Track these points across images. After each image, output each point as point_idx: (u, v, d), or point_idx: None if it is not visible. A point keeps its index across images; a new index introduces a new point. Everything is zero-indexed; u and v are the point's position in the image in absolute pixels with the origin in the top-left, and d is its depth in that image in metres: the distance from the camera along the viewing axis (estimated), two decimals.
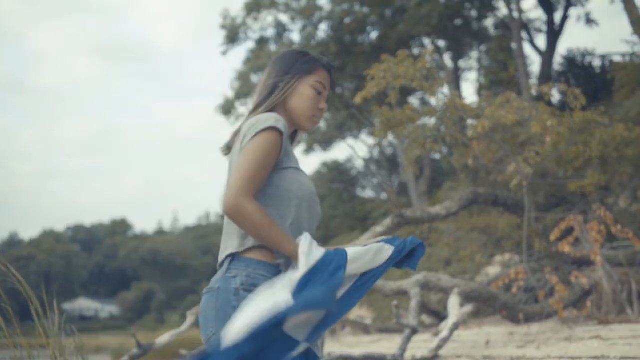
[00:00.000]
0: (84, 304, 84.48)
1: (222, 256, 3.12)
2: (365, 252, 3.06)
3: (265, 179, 3.04)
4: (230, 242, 3.09)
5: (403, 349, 9.96)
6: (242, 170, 2.97)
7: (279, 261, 3.04)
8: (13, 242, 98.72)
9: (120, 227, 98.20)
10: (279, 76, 3.33)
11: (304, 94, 3.32)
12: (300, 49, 3.53)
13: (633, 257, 12.93)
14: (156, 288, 78.31)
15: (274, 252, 3.04)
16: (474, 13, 34.46)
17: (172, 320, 51.58)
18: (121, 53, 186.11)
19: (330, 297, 2.82)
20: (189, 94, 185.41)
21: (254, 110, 3.30)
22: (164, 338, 10.09)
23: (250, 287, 2.94)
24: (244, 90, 36.63)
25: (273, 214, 3.05)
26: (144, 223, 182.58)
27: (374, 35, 35.82)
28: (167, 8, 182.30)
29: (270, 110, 3.28)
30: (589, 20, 32.68)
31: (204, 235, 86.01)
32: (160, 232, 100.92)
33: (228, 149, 3.33)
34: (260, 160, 3.00)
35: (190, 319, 10.94)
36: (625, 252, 12.91)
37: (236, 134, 3.29)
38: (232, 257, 3.06)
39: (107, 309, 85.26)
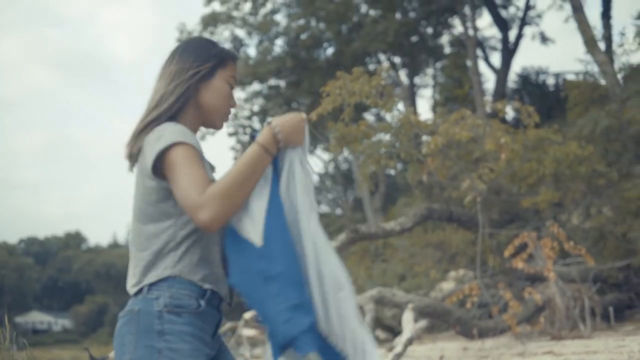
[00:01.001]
0: (37, 317, 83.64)
1: (136, 280, 2.83)
2: None
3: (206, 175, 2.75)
4: (145, 270, 2.79)
5: None
6: (180, 187, 2.69)
7: (207, 286, 2.79)
8: None
9: (74, 240, 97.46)
10: (189, 65, 2.98)
11: (219, 89, 3.03)
12: (204, 37, 3.24)
13: (585, 273, 13.05)
14: (110, 302, 77.69)
15: (202, 275, 2.79)
16: (429, 30, 34.68)
17: None
18: (78, 65, 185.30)
19: None
20: (144, 107, 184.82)
21: (150, 113, 2.96)
22: None
23: (175, 309, 2.71)
24: None
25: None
26: (98, 236, 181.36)
27: (330, 51, 35.94)
28: (124, 22, 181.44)
29: (174, 114, 2.94)
30: (544, 39, 33.02)
31: None
32: (114, 245, 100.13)
33: (131, 157, 2.97)
34: (190, 166, 2.72)
35: None
36: (578, 269, 13.04)
37: (132, 144, 2.95)
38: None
39: (60, 323, 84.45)
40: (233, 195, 2.67)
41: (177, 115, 2.95)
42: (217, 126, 3.11)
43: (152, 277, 2.77)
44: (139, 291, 2.79)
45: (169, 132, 2.77)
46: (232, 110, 3.10)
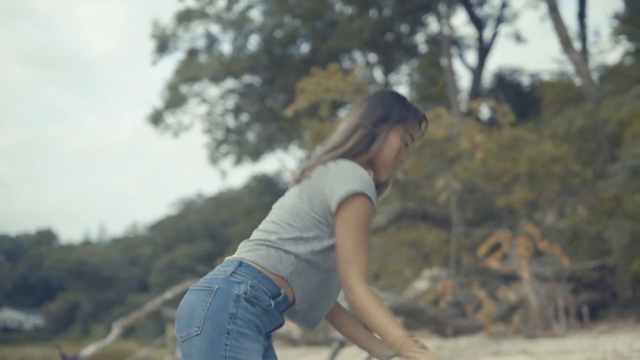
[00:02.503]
0: (8, 315, 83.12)
1: (231, 257, 3.00)
2: None
3: None
4: (252, 252, 2.96)
5: None
6: (356, 254, 2.84)
7: (282, 291, 2.92)
8: None
9: (46, 237, 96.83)
10: (375, 122, 3.12)
11: (392, 144, 3.12)
12: (397, 92, 3.28)
13: (559, 272, 13.04)
14: (82, 299, 77.39)
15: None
16: (405, 28, 34.65)
17: (97, 332, 51.02)
18: (51, 61, 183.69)
19: None
20: (119, 104, 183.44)
21: (335, 150, 3.12)
22: (89, 350, 9.94)
23: (251, 298, 2.83)
24: (173, 100, 36.42)
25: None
26: (70, 233, 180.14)
27: (305, 48, 35.85)
28: (99, 17, 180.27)
29: (351, 156, 3.09)
30: (519, 38, 33.10)
31: (131, 247, 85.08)
32: (86, 243, 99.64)
33: (298, 181, 3.13)
34: (365, 239, 2.88)
35: (115, 330, 10.78)
36: (552, 268, 13.03)
37: (309, 169, 3.11)
38: (241, 262, 2.93)
39: (31, 320, 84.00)
40: (371, 317, 2.79)
41: (354, 157, 3.10)
42: (381, 177, 3.19)
43: (252, 257, 2.95)
44: (224, 265, 2.97)
45: (359, 178, 2.92)
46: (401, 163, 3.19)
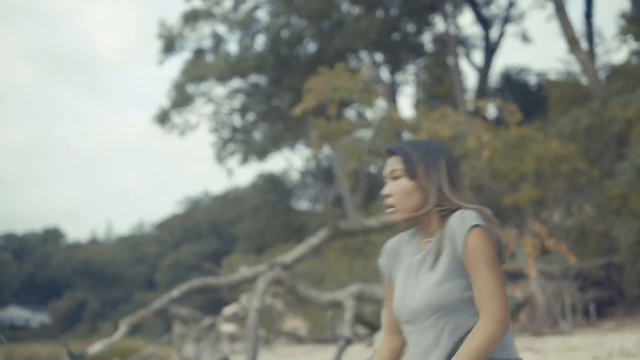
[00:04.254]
0: (15, 313, 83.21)
1: None
2: None
3: None
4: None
5: None
6: (493, 288, 2.78)
7: None
8: None
9: (53, 236, 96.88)
10: None
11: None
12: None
13: (567, 271, 13.06)
14: (89, 297, 77.48)
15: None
16: (411, 28, 34.64)
17: (104, 330, 51.07)
18: (59, 61, 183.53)
19: None
20: (127, 104, 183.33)
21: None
22: (96, 347, 9.97)
23: None
24: (180, 100, 36.47)
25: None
26: (77, 232, 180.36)
27: (311, 48, 35.85)
28: (107, 18, 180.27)
29: None
30: (525, 38, 33.08)
31: (138, 245, 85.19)
32: (93, 242, 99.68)
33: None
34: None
35: (123, 328, 10.80)
36: (559, 266, 13.04)
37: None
38: None
39: (38, 318, 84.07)
40: (483, 353, 2.75)
41: None
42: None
43: None
44: None
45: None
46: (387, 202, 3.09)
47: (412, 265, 3.01)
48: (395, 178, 3.00)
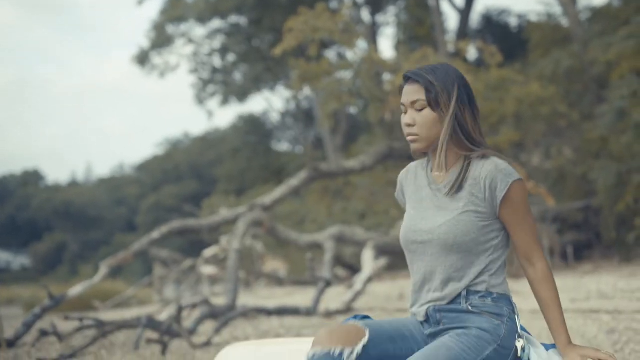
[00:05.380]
0: None
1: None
2: None
3: None
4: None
5: (316, 302, 9.98)
6: (536, 234, 2.98)
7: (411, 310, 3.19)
8: None
9: (33, 178, 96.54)
10: None
11: None
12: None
13: (545, 213, 13.12)
14: (69, 239, 77.42)
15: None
16: None
17: (85, 272, 51.01)
18: (41, 2, 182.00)
19: None
20: (108, 45, 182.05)
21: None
22: (76, 289, 9.95)
23: None
24: (159, 40, 36.19)
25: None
26: (57, 174, 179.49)
27: None
28: None
29: None
30: None
31: (118, 187, 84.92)
32: (73, 184, 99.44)
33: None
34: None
35: (103, 270, 10.78)
36: (538, 209, 13.10)
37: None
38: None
39: (19, 261, 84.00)
40: (556, 299, 2.96)
41: None
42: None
43: None
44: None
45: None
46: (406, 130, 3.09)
47: (424, 197, 3.07)
48: (417, 107, 3.00)
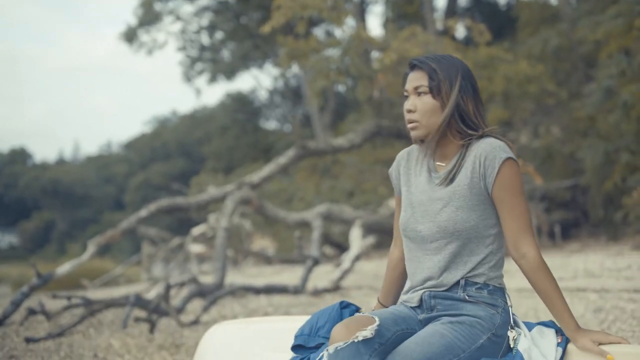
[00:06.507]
0: None
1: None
2: None
3: None
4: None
5: (304, 280, 10.00)
6: (528, 221, 2.93)
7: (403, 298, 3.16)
8: None
9: (20, 156, 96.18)
10: None
11: None
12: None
13: (532, 191, 13.15)
14: (57, 218, 77.29)
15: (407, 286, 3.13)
16: None
17: (73, 250, 50.98)
18: None
19: None
20: (97, 22, 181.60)
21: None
22: (64, 267, 9.93)
23: None
24: (147, 17, 36.02)
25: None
26: (44, 152, 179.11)
27: None
28: None
29: None
30: None
31: (106, 165, 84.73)
32: (61, 162, 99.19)
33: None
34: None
35: (91, 248, 10.76)
36: (526, 187, 13.10)
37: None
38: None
39: (6, 239, 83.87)
40: (554, 290, 2.91)
41: None
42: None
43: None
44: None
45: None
46: (406, 116, 3.10)
47: (424, 186, 3.07)
48: (419, 93, 3.02)
